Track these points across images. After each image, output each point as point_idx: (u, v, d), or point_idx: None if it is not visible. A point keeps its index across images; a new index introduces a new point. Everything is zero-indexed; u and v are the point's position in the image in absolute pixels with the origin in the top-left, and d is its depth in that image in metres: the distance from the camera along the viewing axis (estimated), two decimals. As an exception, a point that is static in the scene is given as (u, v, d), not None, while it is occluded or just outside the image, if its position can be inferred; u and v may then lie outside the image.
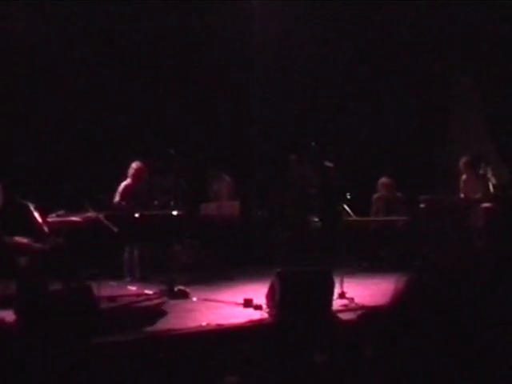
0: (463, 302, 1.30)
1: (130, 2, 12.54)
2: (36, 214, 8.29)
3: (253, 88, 14.06)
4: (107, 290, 9.03)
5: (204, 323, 7.41)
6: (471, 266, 1.38)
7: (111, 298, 8.85)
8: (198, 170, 12.34)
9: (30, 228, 8.31)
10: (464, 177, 11.62)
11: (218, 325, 7.36)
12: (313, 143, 12.24)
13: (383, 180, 11.89)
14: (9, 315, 6.63)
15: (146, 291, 9.44)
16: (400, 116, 13.79)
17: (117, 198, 10.31)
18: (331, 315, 7.66)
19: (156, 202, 10.35)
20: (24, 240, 8.18)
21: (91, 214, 8.86)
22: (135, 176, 10.49)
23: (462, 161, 11.61)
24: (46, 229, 8.27)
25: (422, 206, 11.51)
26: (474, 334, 1.26)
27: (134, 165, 10.53)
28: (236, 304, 8.45)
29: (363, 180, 12.25)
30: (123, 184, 10.45)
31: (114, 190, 10.42)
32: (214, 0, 12.95)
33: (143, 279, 10.20)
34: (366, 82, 13.95)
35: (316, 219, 12.18)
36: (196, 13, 13.07)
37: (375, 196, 11.96)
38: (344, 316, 7.66)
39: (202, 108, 13.21)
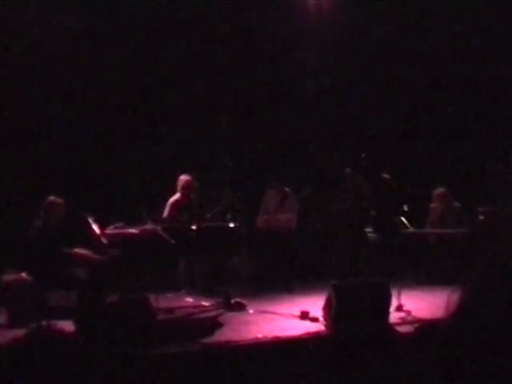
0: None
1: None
2: (95, 227, 8.41)
3: (308, 99, 14.02)
4: (164, 301, 9.09)
5: (260, 335, 7.42)
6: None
7: (168, 310, 8.92)
8: (256, 182, 12.33)
9: (89, 240, 8.44)
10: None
11: (275, 337, 7.36)
12: (363, 155, 12.17)
13: (438, 191, 11.75)
14: (68, 326, 6.73)
15: (203, 303, 9.48)
16: (460, 126, 13.62)
17: (166, 214, 10.24)
18: (388, 328, 7.59)
19: (209, 215, 10.23)
20: (83, 251, 8.30)
21: (149, 226, 8.94)
22: (184, 189, 10.34)
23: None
24: (104, 241, 8.38)
25: (481, 217, 11.34)
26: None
27: (182, 178, 10.38)
28: (293, 316, 8.44)
29: (422, 190, 12.14)
30: (172, 199, 10.34)
31: (164, 205, 10.34)
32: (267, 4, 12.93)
33: (201, 291, 10.21)
34: (425, 91, 13.80)
35: (371, 230, 12.09)
36: (250, 14, 13.05)
37: (431, 207, 11.85)
38: (401, 329, 7.59)
39: (257, 119, 13.23)
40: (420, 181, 12.88)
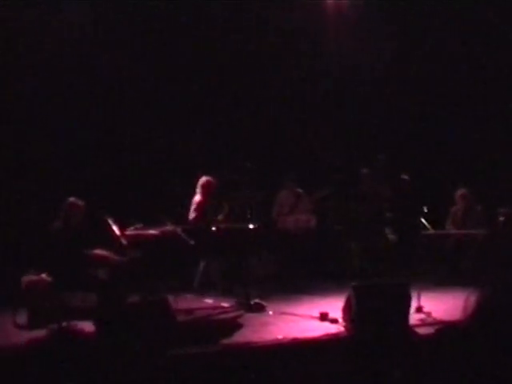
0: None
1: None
2: (115, 228, 8.44)
3: (322, 100, 13.95)
4: (184, 302, 9.13)
5: (280, 336, 7.42)
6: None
7: (188, 311, 8.94)
8: (274, 183, 12.31)
9: (109, 241, 8.47)
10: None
11: (294, 338, 7.36)
12: (379, 156, 12.15)
13: (460, 191, 11.70)
14: (88, 326, 6.77)
15: (223, 304, 9.50)
16: (480, 127, 13.52)
17: (193, 215, 10.22)
18: (408, 329, 7.56)
19: (220, 217, 10.22)
20: (103, 252, 8.33)
21: (168, 227, 8.97)
22: (206, 190, 10.31)
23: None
24: (124, 242, 8.41)
25: (501, 218, 11.27)
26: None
27: (203, 180, 10.35)
28: (312, 318, 8.44)
29: (443, 191, 12.09)
30: (196, 200, 10.32)
31: (188, 206, 10.33)
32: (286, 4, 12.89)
33: (221, 292, 10.21)
34: (443, 89, 13.70)
35: (390, 232, 12.06)
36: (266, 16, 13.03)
37: (453, 208, 11.79)
38: (421, 331, 7.56)
39: (274, 121, 13.22)
40: (440, 182, 12.82)
